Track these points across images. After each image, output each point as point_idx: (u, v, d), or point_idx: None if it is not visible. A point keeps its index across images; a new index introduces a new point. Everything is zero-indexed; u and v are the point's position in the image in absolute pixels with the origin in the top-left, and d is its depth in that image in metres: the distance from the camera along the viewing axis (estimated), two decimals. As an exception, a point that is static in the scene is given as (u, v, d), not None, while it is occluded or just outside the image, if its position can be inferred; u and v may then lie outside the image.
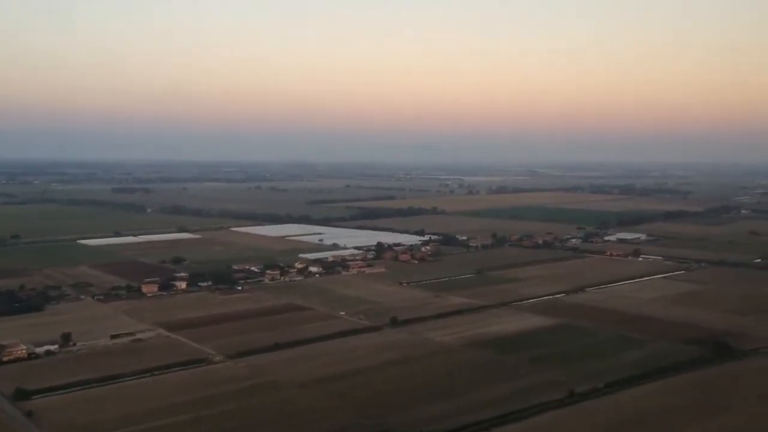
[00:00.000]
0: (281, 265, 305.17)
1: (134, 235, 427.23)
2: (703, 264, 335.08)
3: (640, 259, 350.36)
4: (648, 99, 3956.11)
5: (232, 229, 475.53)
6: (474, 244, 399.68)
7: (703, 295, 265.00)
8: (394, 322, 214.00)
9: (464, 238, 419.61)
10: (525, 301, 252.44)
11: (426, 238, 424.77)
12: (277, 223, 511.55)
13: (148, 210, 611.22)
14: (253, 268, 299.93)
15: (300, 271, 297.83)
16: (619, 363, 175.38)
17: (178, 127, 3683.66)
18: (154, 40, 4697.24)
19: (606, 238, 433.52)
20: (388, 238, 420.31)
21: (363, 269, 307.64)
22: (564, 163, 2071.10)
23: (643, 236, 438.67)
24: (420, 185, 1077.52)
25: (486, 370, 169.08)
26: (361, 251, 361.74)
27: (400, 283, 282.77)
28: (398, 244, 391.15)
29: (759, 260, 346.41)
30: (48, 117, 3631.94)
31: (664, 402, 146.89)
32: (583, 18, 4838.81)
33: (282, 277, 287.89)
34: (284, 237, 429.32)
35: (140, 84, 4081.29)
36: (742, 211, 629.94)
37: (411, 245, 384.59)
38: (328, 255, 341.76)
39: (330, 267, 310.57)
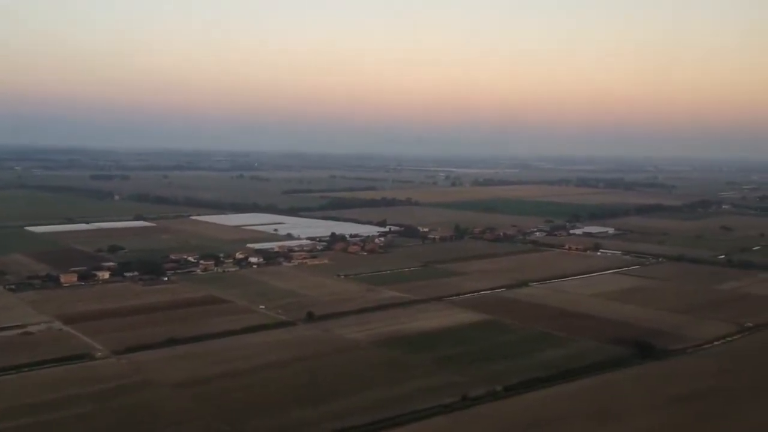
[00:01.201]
0: (220, 255, 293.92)
1: (87, 223, 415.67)
2: (661, 259, 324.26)
3: (599, 253, 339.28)
4: (657, 94, 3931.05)
5: (192, 217, 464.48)
6: (433, 236, 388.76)
7: (648, 291, 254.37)
8: (311, 317, 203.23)
9: (425, 229, 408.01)
10: (461, 296, 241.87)
11: (386, 229, 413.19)
12: (242, 212, 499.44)
13: (116, 197, 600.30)
14: (189, 258, 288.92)
15: (237, 262, 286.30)
16: (531, 364, 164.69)
17: (181, 117, 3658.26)
18: (161, 31, 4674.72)
19: (572, 231, 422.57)
20: (348, 228, 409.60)
21: (305, 260, 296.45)
22: (563, 157, 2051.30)
23: (611, 230, 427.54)
24: (407, 177, 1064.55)
25: (382, 370, 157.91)
26: (312, 242, 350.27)
27: (338, 276, 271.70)
28: (355, 235, 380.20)
29: (722, 256, 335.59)
30: (50, 104, 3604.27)
31: (560, 408, 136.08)
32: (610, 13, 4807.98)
33: (216, 268, 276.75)
34: (241, 226, 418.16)
35: (144, 73, 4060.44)
36: (723, 206, 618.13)
37: (367, 236, 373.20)
38: (274, 245, 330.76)
39: (272, 258, 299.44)
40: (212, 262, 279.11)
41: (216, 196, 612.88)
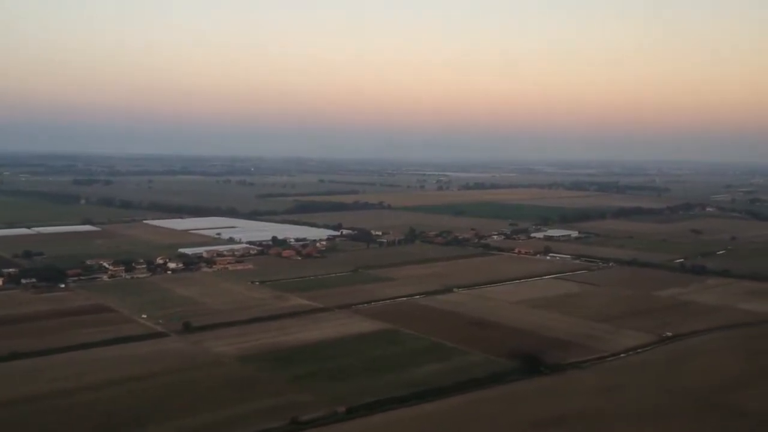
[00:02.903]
0: (140, 260, 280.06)
1: (28, 228, 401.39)
2: (611, 264, 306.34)
3: (547, 257, 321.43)
4: (665, 98, 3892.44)
5: (145, 221, 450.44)
6: (384, 240, 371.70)
7: (579, 298, 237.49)
8: (187, 328, 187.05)
9: (378, 233, 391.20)
10: (374, 303, 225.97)
11: (338, 233, 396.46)
12: (202, 216, 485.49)
13: (82, 201, 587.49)
14: (104, 264, 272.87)
15: (152, 268, 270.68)
16: (399, 381, 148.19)
17: (188, 124, 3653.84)
18: (163, 36, 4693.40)
19: (533, 235, 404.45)
20: (299, 232, 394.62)
21: (228, 266, 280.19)
22: (569, 161, 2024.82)
23: (574, 233, 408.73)
24: (396, 181, 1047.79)
25: (230, 389, 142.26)
26: (249, 246, 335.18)
27: (252, 282, 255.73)
28: (302, 239, 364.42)
29: (682, 260, 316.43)
30: (54, 111, 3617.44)
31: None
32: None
33: (126, 274, 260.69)
34: (189, 230, 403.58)
35: (147, 79, 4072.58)
36: (707, 209, 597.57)
37: (312, 240, 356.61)
38: (205, 250, 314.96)
39: (193, 263, 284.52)
40: (122, 269, 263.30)
41: (188, 201, 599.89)
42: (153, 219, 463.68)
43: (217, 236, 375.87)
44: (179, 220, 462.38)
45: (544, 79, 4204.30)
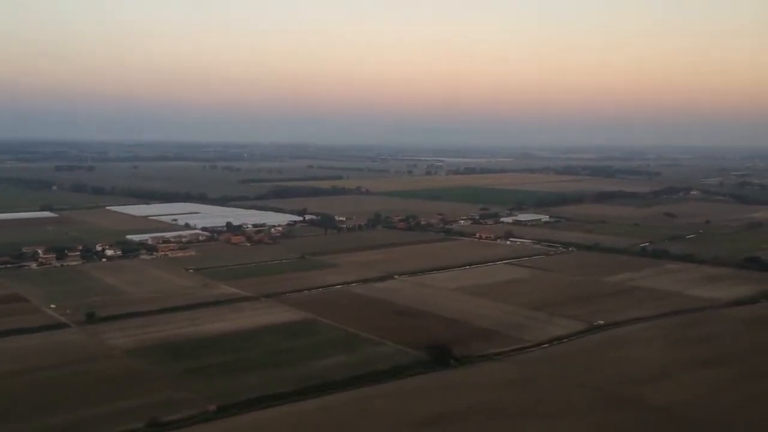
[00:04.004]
0: (74, 248, 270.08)
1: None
2: (572, 249, 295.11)
3: (508, 242, 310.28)
4: (676, 83, 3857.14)
5: (108, 207, 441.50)
6: (344, 226, 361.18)
7: (522, 284, 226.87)
8: (90, 319, 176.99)
9: (342, 218, 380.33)
10: (305, 292, 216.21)
11: (301, 218, 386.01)
12: (170, 202, 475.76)
13: (53, 188, 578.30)
14: (38, 251, 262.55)
15: (86, 255, 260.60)
16: (293, 375, 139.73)
17: (192, 110, 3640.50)
18: (161, 24, 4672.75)
19: (502, 219, 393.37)
20: (260, 218, 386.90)
21: (168, 253, 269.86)
22: (570, 147, 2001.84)
23: (545, 218, 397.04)
24: (388, 166, 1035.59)
25: (112, 385, 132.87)
26: (202, 232, 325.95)
27: (186, 270, 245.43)
28: (261, 225, 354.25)
29: (647, 244, 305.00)
30: (54, 98, 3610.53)
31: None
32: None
33: (57, 262, 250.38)
34: (148, 216, 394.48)
35: (147, 65, 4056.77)
36: (692, 192, 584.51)
37: (269, 226, 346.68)
38: (148, 237, 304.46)
39: (133, 250, 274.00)
40: (53, 256, 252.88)
41: (164, 186, 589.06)
42: (118, 205, 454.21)
43: (174, 222, 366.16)
44: (144, 206, 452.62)
45: (551, 63, 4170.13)
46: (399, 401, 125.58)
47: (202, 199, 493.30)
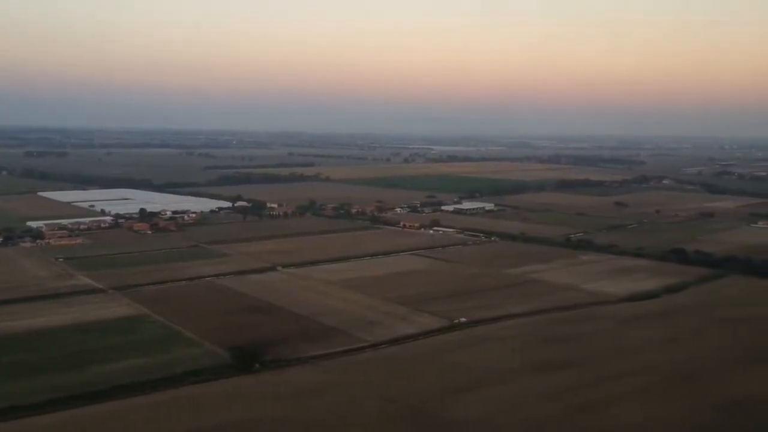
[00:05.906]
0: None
1: None
2: (494, 238, 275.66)
3: (431, 232, 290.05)
4: (684, 72, 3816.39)
5: (39, 193, 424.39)
6: (273, 213, 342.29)
7: (412, 276, 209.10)
8: None
9: (274, 206, 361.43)
10: (169, 284, 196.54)
11: (229, 205, 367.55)
12: (110, 188, 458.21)
13: (3, 173, 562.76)
14: None
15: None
16: (80, 379, 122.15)
17: (199, 98, 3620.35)
18: (161, 12, 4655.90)
19: (443, 207, 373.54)
20: (188, 204, 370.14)
21: (51, 240, 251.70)
22: (573, 136, 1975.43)
23: (490, 206, 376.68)
24: (370, 154, 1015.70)
25: None
26: (104, 219, 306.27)
27: (57, 259, 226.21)
28: (184, 211, 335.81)
29: (581, 234, 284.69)
30: (46, 85, 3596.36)
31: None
32: None
33: None
34: (70, 202, 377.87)
35: (147, 52, 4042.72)
36: (664, 182, 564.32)
37: (184, 212, 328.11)
38: (43, 224, 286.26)
39: (14, 237, 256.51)
40: None
41: (125, 172, 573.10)
42: (53, 191, 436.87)
43: (90, 208, 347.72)
44: (79, 192, 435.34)
45: (556, 52, 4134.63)
46: (162, 412, 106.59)
47: (146, 185, 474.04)
